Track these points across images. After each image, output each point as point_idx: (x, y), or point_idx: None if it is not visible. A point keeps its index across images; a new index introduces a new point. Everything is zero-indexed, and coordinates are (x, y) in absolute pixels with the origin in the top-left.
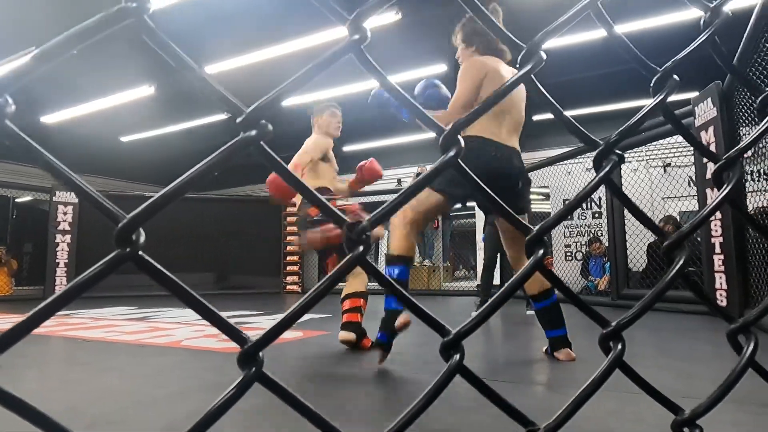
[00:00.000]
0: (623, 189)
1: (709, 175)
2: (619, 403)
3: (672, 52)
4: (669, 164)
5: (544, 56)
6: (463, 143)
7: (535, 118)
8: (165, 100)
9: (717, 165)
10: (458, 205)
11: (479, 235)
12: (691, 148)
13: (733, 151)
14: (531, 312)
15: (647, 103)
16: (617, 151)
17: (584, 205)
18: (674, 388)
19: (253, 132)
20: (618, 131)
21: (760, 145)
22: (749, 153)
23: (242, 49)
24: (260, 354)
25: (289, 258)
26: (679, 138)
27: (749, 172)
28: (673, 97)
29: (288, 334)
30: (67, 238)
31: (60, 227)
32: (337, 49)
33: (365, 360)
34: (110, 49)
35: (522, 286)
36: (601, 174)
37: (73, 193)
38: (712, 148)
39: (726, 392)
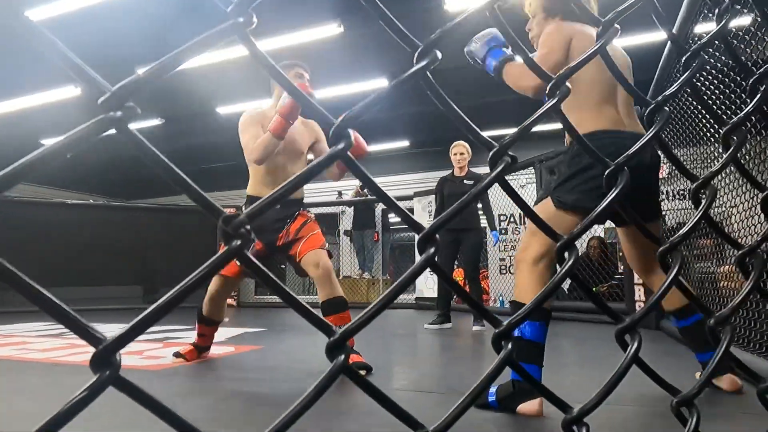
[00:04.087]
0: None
1: None
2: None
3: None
4: None
5: (439, 55)
6: (353, 136)
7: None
8: (91, 101)
9: (607, 171)
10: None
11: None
12: None
13: (622, 158)
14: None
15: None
16: (510, 153)
17: (518, 221)
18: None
19: (118, 113)
20: (513, 133)
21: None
22: (665, 174)
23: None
24: (117, 355)
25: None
26: None
27: (665, 192)
28: None
29: (218, 350)
30: None
31: None
32: (221, 28)
33: (300, 379)
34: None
35: (405, 288)
36: (494, 174)
37: None
38: None
39: (611, 389)
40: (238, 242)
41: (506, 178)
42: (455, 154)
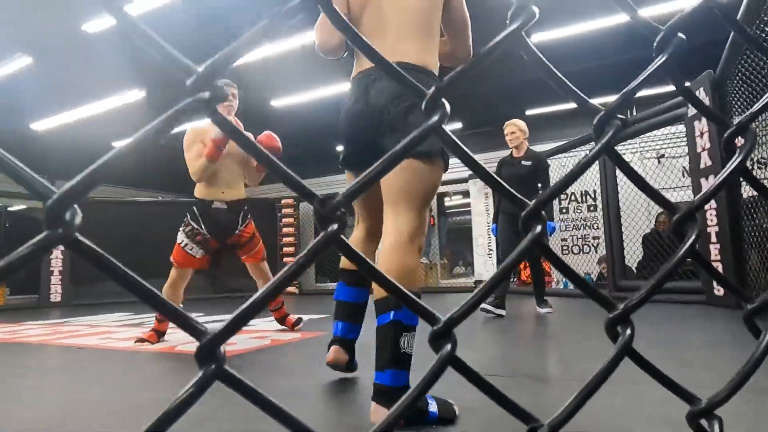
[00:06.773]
0: (617, 180)
1: (704, 164)
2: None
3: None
4: (663, 155)
5: (536, 11)
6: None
7: (528, 113)
8: (157, 100)
9: (728, 132)
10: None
11: (475, 231)
12: (685, 139)
13: (746, 116)
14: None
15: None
16: (620, 116)
17: (579, 199)
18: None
19: (206, 94)
20: (620, 94)
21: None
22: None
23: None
24: (221, 348)
25: (286, 259)
26: (673, 129)
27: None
28: (668, 88)
29: (284, 336)
30: (61, 246)
31: None
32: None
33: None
34: None
35: (513, 267)
36: (604, 141)
37: None
38: (705, 137)
39: (745, 379)
40: (335, 226)
41: (569, 154)
42: (506, 134)
